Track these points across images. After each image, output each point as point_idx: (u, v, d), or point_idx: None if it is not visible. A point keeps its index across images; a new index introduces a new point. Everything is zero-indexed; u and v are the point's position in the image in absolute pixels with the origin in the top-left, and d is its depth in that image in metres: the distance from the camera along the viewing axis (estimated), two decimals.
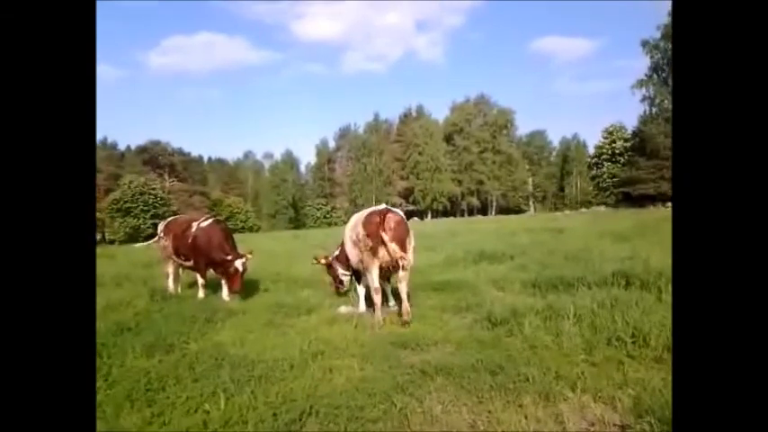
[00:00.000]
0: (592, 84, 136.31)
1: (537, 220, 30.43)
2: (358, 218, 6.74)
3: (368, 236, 6.20)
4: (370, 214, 6.40)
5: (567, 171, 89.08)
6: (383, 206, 6.52)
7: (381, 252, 6.18)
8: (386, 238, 6.06)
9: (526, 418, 3.31)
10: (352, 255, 6.84)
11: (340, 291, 7.90)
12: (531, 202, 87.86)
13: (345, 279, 7.76)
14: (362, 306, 7.08)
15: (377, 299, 6.33)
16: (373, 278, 6.33)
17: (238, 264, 8.05)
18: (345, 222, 8.28)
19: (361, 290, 7.29)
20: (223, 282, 8.41)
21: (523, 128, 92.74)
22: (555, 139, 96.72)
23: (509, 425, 3.24)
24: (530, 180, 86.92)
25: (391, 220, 6.18)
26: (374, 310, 6.37)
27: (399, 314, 6.30)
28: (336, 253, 7.79)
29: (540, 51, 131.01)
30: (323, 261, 8.04)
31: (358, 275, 7.35)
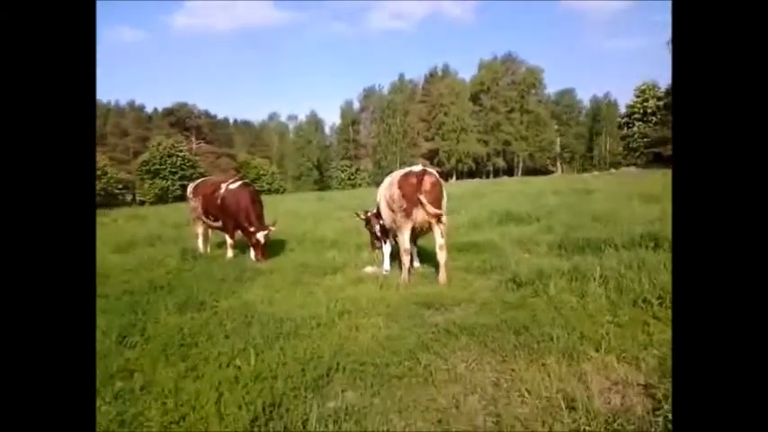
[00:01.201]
0: (625, 40, 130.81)
1: (564, 181, 29.84)
2: (393, 178, 6.69)
3: (403, 197, 6.20)
4: (407, 175, 6.36)
5: (596, 131, 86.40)
6: (419, 167, 6.47)
7: (416, 213, 6.20)
8: (422, 200, 6.07)
9: (549, 376, 3.34)
10: (386, 214, 6.86)
11: (376, 246, 7.90)
12: (558, 163, 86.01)
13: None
14: (387, 266, 7.16)
15: (405, 259, 6.40)
16: (405, 239, 6.37)
17: (260, 236, 8.22)
18: (370, 184, 8.21)
19: (386, 248, 7.36)
20: None
21: (552, 86, 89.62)
22: (585, 97, 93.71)
23: (532, 383, 3.27)
24: (557, 140, 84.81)
25: (427, 182, 6.17)
26: (401, 270, 6.44)
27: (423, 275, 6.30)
28: (374, 210, 7.79)
29: (571, 7, 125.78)
30: (362, 216, 8.07)
31: (384, 234, 7.41)
